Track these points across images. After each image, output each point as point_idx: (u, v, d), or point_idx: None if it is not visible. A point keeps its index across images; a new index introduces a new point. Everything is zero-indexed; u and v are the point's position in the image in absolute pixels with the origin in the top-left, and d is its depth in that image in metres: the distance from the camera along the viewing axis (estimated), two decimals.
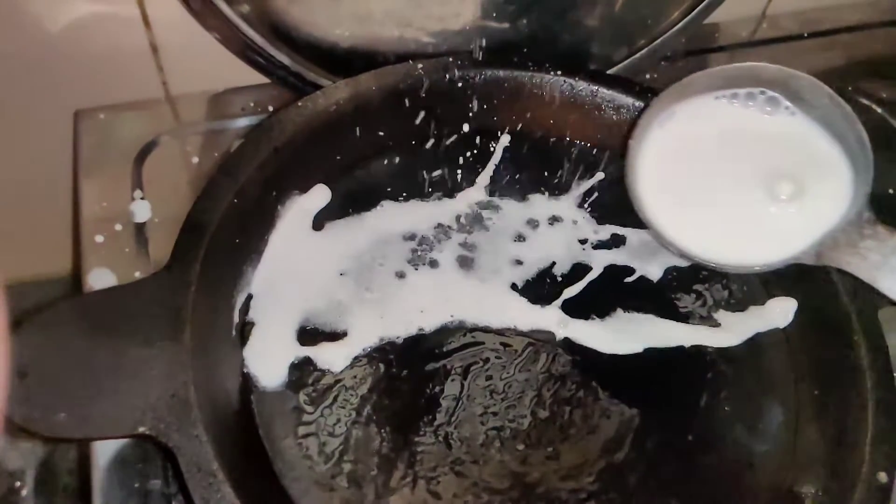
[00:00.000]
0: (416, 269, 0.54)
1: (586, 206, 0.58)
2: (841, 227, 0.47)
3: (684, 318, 0.54)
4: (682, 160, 0.52)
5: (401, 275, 0.54)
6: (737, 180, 0.51)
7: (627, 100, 0.58)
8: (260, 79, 0.61)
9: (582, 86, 0.59)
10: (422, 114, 0.58)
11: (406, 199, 0.57)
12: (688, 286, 0.55)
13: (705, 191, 0.51)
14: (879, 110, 0.69)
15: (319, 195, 0.56)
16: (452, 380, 0.50)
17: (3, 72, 0.59)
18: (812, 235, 0.48)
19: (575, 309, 0.53)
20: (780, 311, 0.54)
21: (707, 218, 0.51)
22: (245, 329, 0.50)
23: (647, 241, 0.56)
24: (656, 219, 0.51)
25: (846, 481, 0.46)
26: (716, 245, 0.50)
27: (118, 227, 0.56)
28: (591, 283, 0.55)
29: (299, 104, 0.54)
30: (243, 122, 0.62)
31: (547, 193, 0.58)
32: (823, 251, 0.47)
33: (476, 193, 0.58)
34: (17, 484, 0.74)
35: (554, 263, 0.55)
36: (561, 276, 0.55)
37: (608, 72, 0.63)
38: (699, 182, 0.52)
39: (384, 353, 0.51)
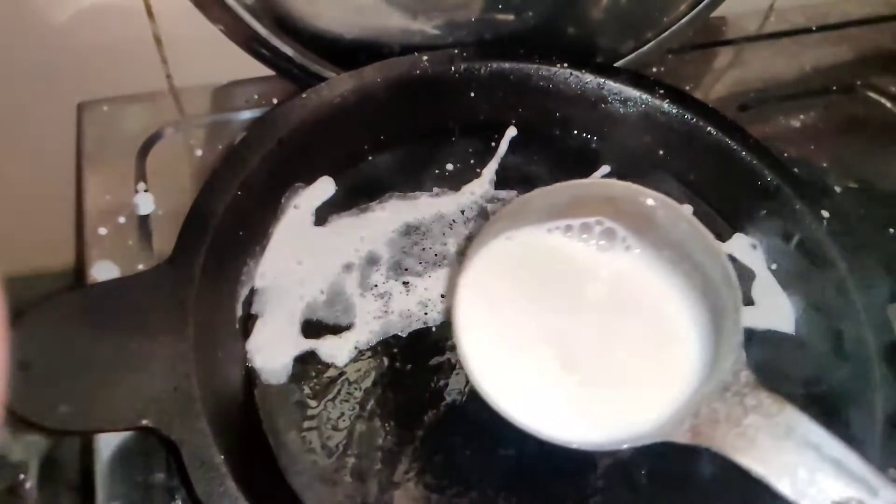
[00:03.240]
0: (421, 263, 0.54)
1: None
2: (716, 394, 0.37)
3: None
4: (512, 310, 0.43)
5: (405, 268, 0.53)
6: (568, 338, 0.42)
7: (634, 93, 0.58)
8: (264, 71, 0.61)
9: (588, 78, 0.58)
10: (427, 106, 0.58)
11: (411, 192, 0.57)
12: None
13: (528, 350, 0.42)
14: (889, 105, 0.69)
15: (324, 188, 0.55)
16: (457, 373, 0.50)
17: (7, 64, 0.59)
18: (668, 408, 0.39)
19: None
20: (783, 311, 0.53)
21: (539, 388, 0.42)
22: (248, 322, 0.50)
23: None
24: (485, 386, 0.41)
25: None
26: (550, 420, 0.41)
27: (121, 219, 0.56)
28: None
29: (303, 96, 0.53)
30: (247, 115, 0.62)
31: None
32: (700, 427, 0.37)
33: (481, 187, 0.57)
34: (21, 476, 0.73)
35: None
36: None
37: (615, 64, 0.62)
38: (532, 338, 0.43)
39: (388, 347, 0.51)
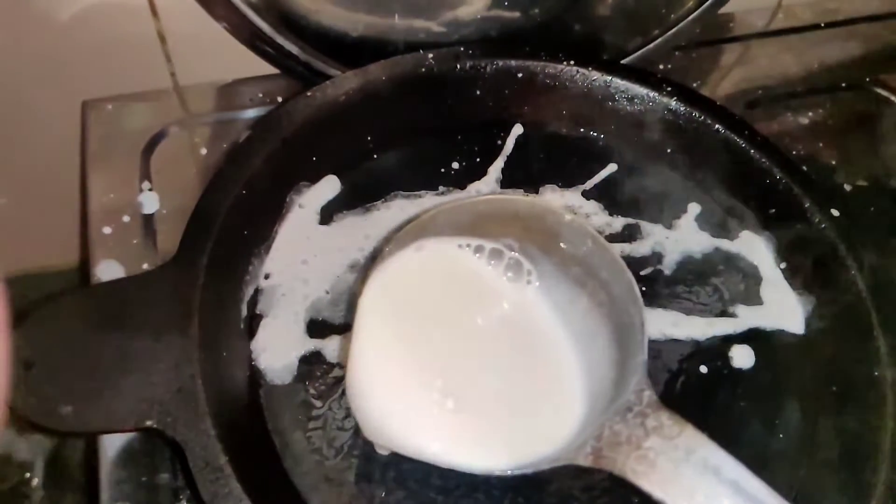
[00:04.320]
0: None
1: (599, 197, 0.57)
2: (619, 415, 0.37)
3: (700, 312, 0.53)
4: (408, 330, 0.42)
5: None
6: (474, 356, 0.42)
7: (641, 90, 0.57)
8: (269, 69, 0.61)
9: (595, 76, 0.58)
10: (432, 104, 0.57)
11: (416, 191, 0.56)
12: (704, 280, 0.54)
13: (434, 371, 0.41)
14: None
15: (329, 186, 0.55)
16: None
17: (11, 62, 0.58)
18: (573, 425, 0.39)
19: None
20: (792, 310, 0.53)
21: (444, 410, 0.41)
22: (253, 322, 0.50)
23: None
24: (371, 409, 0.40)
25: (865, 483, 0.45)
26: (456, 444, 0.40)
27: (126, 218, 0.55)
28: None
29: (308, 94, 0.53)
30: (252, 113, 0.62)
31: (559, 185, 0.57)
32: (601, 450, 0.37)
33: (487, 185, 0.57)
34: (27, 475, 0.74)
35: None
36: None
37: (622, 62, 0.62)
38: (428, 358, 0.42)
39: None
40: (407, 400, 0.40)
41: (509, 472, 0.39)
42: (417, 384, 0.41)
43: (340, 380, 0.48)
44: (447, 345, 0.42)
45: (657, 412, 0.37)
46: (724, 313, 0.53)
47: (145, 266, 0.53)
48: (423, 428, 0.40)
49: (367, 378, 0.41)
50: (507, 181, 0.57)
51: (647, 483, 0.36)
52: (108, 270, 0.53)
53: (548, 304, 0.42)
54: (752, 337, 0.52)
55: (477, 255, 0.43)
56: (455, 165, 0.58)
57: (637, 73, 0.58)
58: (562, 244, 0.42)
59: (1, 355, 0.25)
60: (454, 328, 0.42)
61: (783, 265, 0.55)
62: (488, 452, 0.40)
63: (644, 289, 0.53)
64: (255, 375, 0.48)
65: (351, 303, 0.51)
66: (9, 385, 0.26)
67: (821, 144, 0.64)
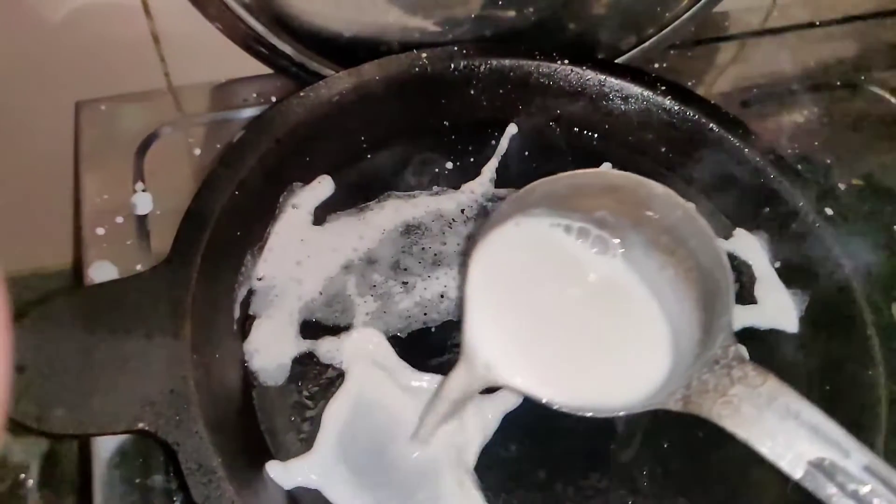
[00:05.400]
0: (420, 263, 0.53)
1: None
2: (706, 367, 0.41)
3: None
4: (516, 291, 0.46)
5: (405, 268, 0.53)
6: (574, 316, 0.45)
7: (636, 89, 0.57)
8: (263, 69, 0.61)
9: (589, 75, 0.58)
10: (426, 104, 0.57)
11: (410, 191, 0.56)
12: None
13: (540, 329, 0.45)
14: (893, 100, 0.68)
15: (322, 187, 0.55)
16: None
17: (4, 63, 0.58)
18: (660, 377, 0.43)
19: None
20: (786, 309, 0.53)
21: (548, 359, 0.44)
22: (246, 323, 0.50)
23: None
24: (493, 357, 0.44)
25: None
26: (561, 388, 0.43)
27: (119, 219, 0.55)
28: None
29: (301, 94, 0.53)
30: (246, 113, 0.62)
31: None
32: (690, 396, 0.40)
33: (481, 185, 0.57)
34: (22, 476, 0.73)
35: None
36: None
37: (616, 61, 0.62)
38: (534, 317, 0.45)
39: None
40: (516, 346, 0.44)
41: (606, 415, 0.43)
42: (524, 334, 0.44)
43: (334, 381, 0.48)
44: (546, 305, 0.45)
45: (742, 365, 0.40)
46: None
47: (139, 267, 0.53)
48: (530, 371, 0.43)
49: (482, 330, 0.44)
50: (502, 181, 0.57)
51: (732, 424, 0.39)
52: (101, 271, 0.53)
53: (636, 272, 0.46)
54: (747, 336, 0.51)
55: (567, 233, 0.47)
56: (449, 165, 0.58)
57: (631, 72, 0.58)
58: (652, 214, 0.45)
59: (1, 359, 0.25)
60: (551, 292, 0.46)
61: (777, 264, 0.55)
62: (588, 396, 0.43)
63: None
64: (249, 377, 0.48)
65: (345, 304, 0.51)
66: (9, 391, 0.25)
67: (816, 143, 0.64)
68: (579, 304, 0.46)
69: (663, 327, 0.45)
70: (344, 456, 0.46)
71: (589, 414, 0.42)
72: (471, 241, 0.49)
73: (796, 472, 0.38)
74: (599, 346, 0.45)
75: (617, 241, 0.46)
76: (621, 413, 0.43)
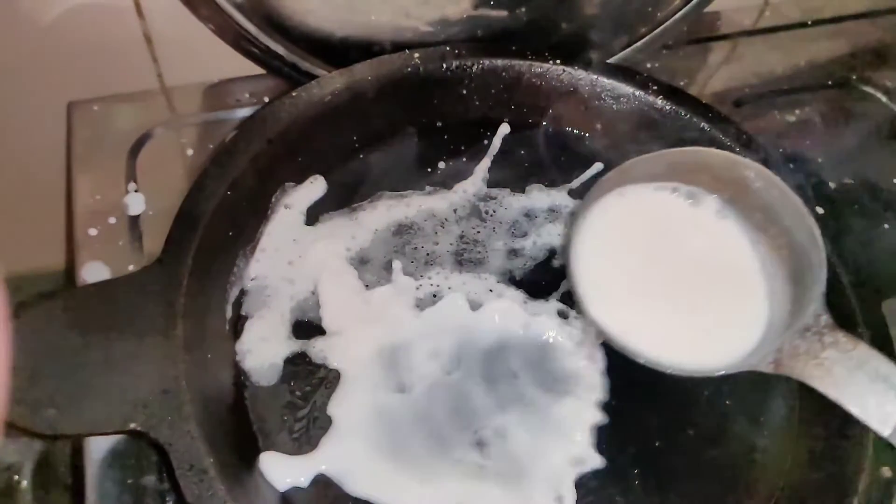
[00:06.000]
0: (413, 263, 0.53)
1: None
2: (797, 333, 0.44)
3: None
4: (623, 255, 0.50)
5: (397, 268, 0.53)
6: (677, 279, 0.49)
7: (627, 89, 0.57)
8: (256, 70, 0.61)
9: (581, 75, 0.58)
10: (418, 104, 0.57)
11: (402, 191, 0.56)
12: None
13: (646, 289, 0.49)
14: (884, 99, 0.68)
15: (314, 187, 0.55)
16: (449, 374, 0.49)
17: None
18: (752, 342, 0.46)
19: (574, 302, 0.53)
20: None
21: (652, 320, 0.48)
22: (238, 323, 0.50)
23: None
24: (600, 317, 0.48)
25: (849, 476, 0.45)
26: (663, 348, 0.47)
27: (112, 220, 0.55)
28: None
29: (293, 94, 0.53)
30: (239, 114, 0.62)
31: (546, 184, 0.57)
32: (782, 359, 0.44)
33: (474, 185, 0.57)
34: (16, 478, 0.73)
35: (553, 255, 0.54)
36: (560, 268, 0.54)
37: (608, 61, 0.62)
38: (640, 279, 0.49)
39: None
40: (623, 305, 0.48)
41: (703, 375, 0.46)
42: (632, 295, 0.48)
43: (325, 380, 0.48)
44: (653, 268, 0.49)
45: (833, 332, 0.44)
46: None
47: (131, 267, 0.53)
48: (636, 329, 0.47)
49: (591, 291, 0.47)
50: (494, 180, 0.57)
51: (823, 385, 0.43)
52: (93, 272, 0.53)
53: (736, 242, 0.49)
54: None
55: (674, 194, 0.50)
56: (441, 165, 0.58)
57: (623, 72, 0.58)
58: (748, 193, 0.48)
59: (1, 360, 0.25)
60: (657, 254, 0.49)
61: None
62: (686, 356, 0.46)
63: None
64: (241, 376, 0.48)
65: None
66: (8, 394, 0.25)
67: (808, 142, 0.64)
68: (684, 268, 0.49)
69: (761, 296, 0.48)
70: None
71: (686, 374, 0.45)
72: (572, 216, 0.53)
73: (885, 429, 0.42)
74: (700, 309, 0.48)
75: (720, 206, 0.50)
76: (716, 374, 0.46)
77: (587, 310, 0.48)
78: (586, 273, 0.48)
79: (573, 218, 0.50)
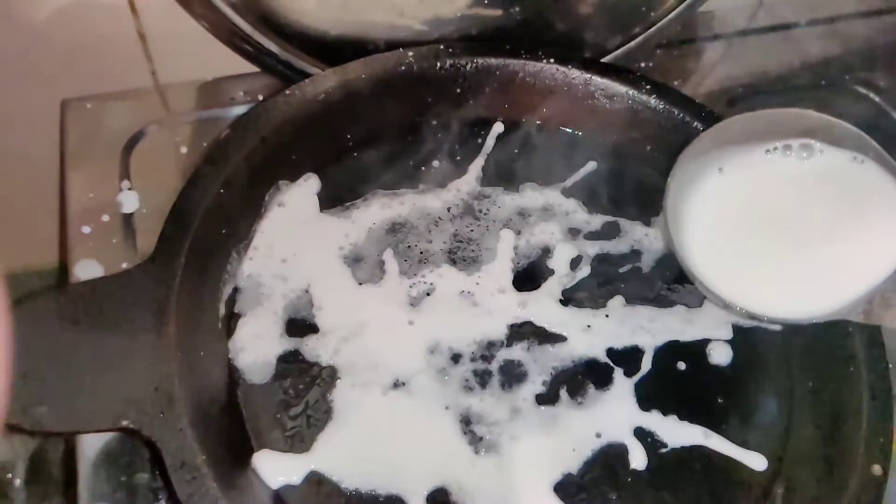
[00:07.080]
0: (406, 261, 0.53)
1: (579, 195, 0.57)
2: (889, 287, 0.45)
3: (678, 309, 0.53)
4: (730, 212, 0.50)
5: (390, 266, 0.53)
6: (785, 232, 0.49)
7: (621, 88, 0.57)
8: (250, 67, 0.61)
9: (575, 74, 0.58)
10: (412, 102, 0.57)
11: (396, 189, 0.56)
12: (682, 277, 0.54)
13: (751, 242, 0.50)
14: (878, 99, 0.68)
15: (308, 185, 0.55)
16: None
17: None
18: (856, 291, 0.46)
19: (568, 300, 0.53)
20: None
21: (750, 268, 0.49)
22: (231, 321, 0.50)
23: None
24: (702, 269, 0.49)
25: (841, 473, 0.45)
26: (760, 296, 0.48)
27: (105, 217, 0.55)
28: (583, 273, 0.54)
29: (287, 93, 0.53)
30: (233, 112, 0.62)
31: (539, 183, 0.57)
32: (872, 310, 0.46)
33: (467, 183, 0.57)
34: (9, 476, 0.73)
35: (546, 254, 0.55)
36: (553, 267, 0.54)
37: (602, 60, 0.62)
38: (746, 234, 0.50)
39: None
40: (732, 263, 0.49)
41: (793, 322, 0.48)
42: (738, 255, 0.49)
43: (319, 378, 0.48)
44: (762, 231, 0.49)
45: None
46: (702, 309, 0.53)
47: (125, 265, 0.53)
48: (744, 285, 0.48)
49: (697, 255, 0.49)
50: (488, 179, 0.57)
51: None
52: (87, 270, 0.53)
53: (840, 205, 0.49)
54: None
55: (786, 154, 0.50)
56: (435, 163, 0.58)
57: (617, 71, 0.58)
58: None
59: (2, 358, 0.25)
60: (776, 221, 0.49)
61: None
62: (789, 305, 0.47)
63: (623, 286, 0.54)
64: (234, 374, 0.48)
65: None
66: (9, 391, 0.25)
67: None
68: (792, 226, 0.49)
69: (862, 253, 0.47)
70: None
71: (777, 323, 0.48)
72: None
73: None
74: (808, 265, 0.48)
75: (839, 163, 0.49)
76: (806, 321, 0.47)
77: (691, 264, 0.48)
78: (692, 231, 0.49)
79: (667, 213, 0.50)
